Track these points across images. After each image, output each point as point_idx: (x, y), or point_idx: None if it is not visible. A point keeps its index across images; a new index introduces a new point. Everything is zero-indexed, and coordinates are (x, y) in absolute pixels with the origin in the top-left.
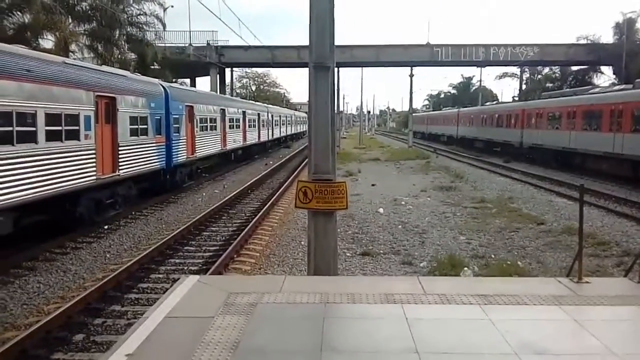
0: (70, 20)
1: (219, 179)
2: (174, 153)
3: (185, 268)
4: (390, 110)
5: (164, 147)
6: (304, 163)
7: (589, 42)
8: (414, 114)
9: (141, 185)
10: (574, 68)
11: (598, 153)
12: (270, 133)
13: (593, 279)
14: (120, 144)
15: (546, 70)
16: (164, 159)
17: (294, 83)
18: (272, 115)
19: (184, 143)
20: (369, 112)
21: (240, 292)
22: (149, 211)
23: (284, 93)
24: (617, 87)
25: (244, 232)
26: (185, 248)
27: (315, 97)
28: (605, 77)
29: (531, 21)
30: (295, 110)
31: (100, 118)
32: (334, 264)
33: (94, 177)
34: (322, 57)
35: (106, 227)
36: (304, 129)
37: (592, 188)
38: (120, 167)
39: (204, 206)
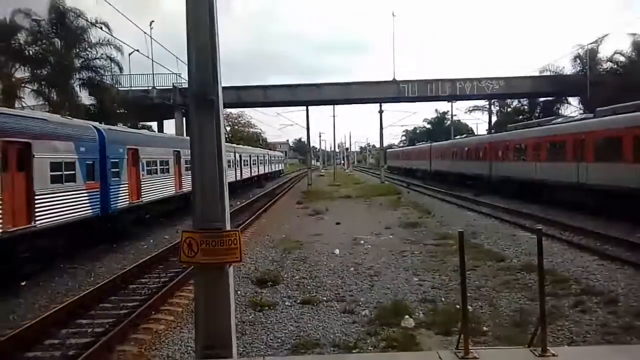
0: (17, 66)
1: (174, 223)
2: (111, 199)
3: (90, 330)
4: (370, 147)
5: (97, 193)
6: (271, 202)
7: (552, 73)
8: (389, 150)
9: (71, 234)
10: (541, 99)
11: (563, 184)
12: (238, 174)
13: (485, 352)
14: (37, 193)
15: (515, 102)
16: (97, 205)
17: (272, 121)
18: (240, 156)
19: (125, 188)
20: (347, 148)
21: None
22: (81, 263)
23: (259, 133)
24: (578, 117)
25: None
26: (102, 305)
27: (198, 135)
28: (573, 107)
29: (496, 55)
30: (271, 149)
31: (10, 165)
32: (231, 331)
33: (0, 231)
34: (205, 88)
35: (23, 283)
36: (281, 168)
37: (557, 220)
38: (37, 218)
39: (145, 254)
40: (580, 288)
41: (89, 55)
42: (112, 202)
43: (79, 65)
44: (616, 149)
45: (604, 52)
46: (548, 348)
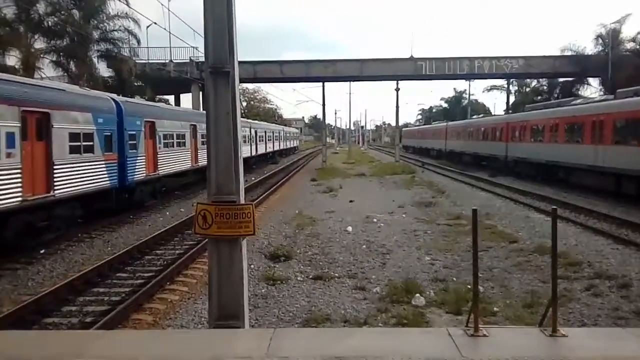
0: (36, 37)
1: (190, 196)
2: (129, 171)
3: (107, 299)
4: (385, 125)
5: (115, 164)
6: (285, 178)
7: (573, 53)
8: (405, 129)
9: (89, 205)
10: (561, 80)
11: (580, 166)
12: (253, 149)
13: (495, 330)
14: (55, 163)
15: (534, 82)
16: (115, 177)
17: (288, 97)
18: (255, 131)
19: (143, 160)
20: (362, 127)
21: None
22: (98, 233)
23: (275, 109)
24: (598, 98)
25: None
26: (118, 275)
27: (214, 107)
28: (593, 88)
29: (516, 34)
30: (286, 125)
31: (30, 135)
32: (243, 302)
33: (19, 199)
34: (221, 60)
35: (42, 251)
36: (295, 144)
37: (572, 203)
38: (56, 187)
39: (161, 226)
40: (593, 271)
41: (107, 27)
42: (129, 174)
43: (97, 37)
44: (636, 132)
45: (627, 32)
46: (558, 328)
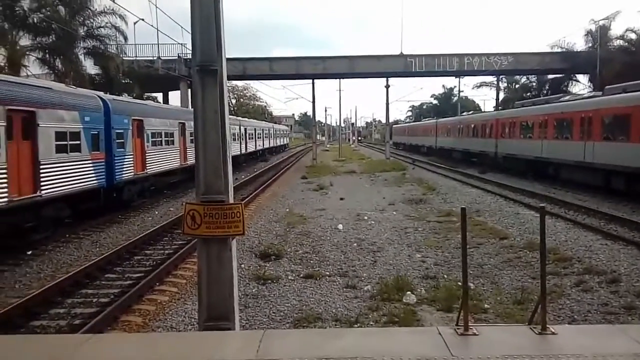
0: (21, 34)
1: (179, 195)
2: (117, 170)
3: (95, 300)
4: (376, 122)
5: (102, 163)
6: (276, 176)
7: (562, 50)
8: (395, 126)
9: (77, 205)
10: (550, 76)
11: (570, 162)
12: (243, 147)
13: (485, 329)
14: (42, 163)
15: (523, 79)
16: (103, 176)
17: (278, 95)
18: (245, 129)
19: (131, 159)
20: (352, 124)
21: None
22: (86, 233)
23: (265, 106)
24: (587, 94)
25: (172, 258)
26: (106, 276)
27: (202, 105)
28: (581, 85)
29: (506, 31)
30: (276, 123)
31: (16, 134)
32: (233, 303)
33: (5, 200)
34: (208, 58)
35: (30, 252)
36: (286, 142)
37: (562, 199)
38: (42, 188)
39: (150, 226)
40: (583, 267)
41: (94, 24)
42: (116, 173)
43: (83, 33)
44: (624, 128)
45: (616, 29)
46: (548, 326)
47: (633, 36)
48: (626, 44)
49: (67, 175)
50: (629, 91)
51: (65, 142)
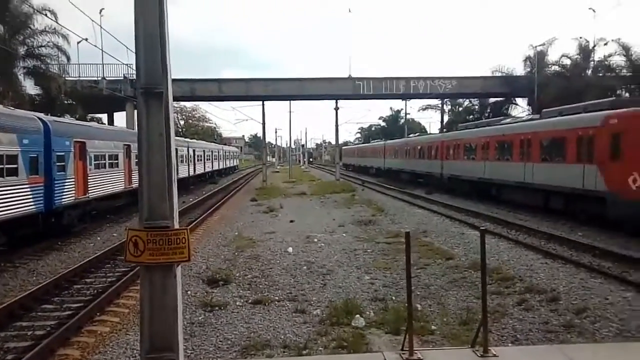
0: None
1: (123, 220)
2: (56, 194)
3: (30, 333)
4: (326, 143)
5: (41, 188)
6: (225, 198)
7: (503, 74)
8: (345, 147)
9: (13, 231)
10: (491, 100)
11: (511, 183)
12: (191, 169)
13: (429, 353)
14: None
15: (467, 102)
16: (41, 201)
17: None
18: (193, 151)
19: (72, 183)
20: (303, 145)
21: None
22: (23, 261)
23: (214, 127)
24: (525, 117)
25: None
26: (43, 307)
27: (146, 128)
28: (520, 108)
29: (450, 56)
30: (226, 144)
31: None
32: (177, 332)
33: None
34: (153, 80)
35: None
36: (235, 164)
37: (503, 218)
38: None
39: (92, 253)
40: (524, 286)
41: (34, 43)
42: (56, 198)
43: (23, 52)
44: (561, 150)
45: (552, 55)
46: (490, 348)
47: (568, 62)
48: (561, 69)
49: (3, 200)
50: (565, 114)
51: (2, 166)
